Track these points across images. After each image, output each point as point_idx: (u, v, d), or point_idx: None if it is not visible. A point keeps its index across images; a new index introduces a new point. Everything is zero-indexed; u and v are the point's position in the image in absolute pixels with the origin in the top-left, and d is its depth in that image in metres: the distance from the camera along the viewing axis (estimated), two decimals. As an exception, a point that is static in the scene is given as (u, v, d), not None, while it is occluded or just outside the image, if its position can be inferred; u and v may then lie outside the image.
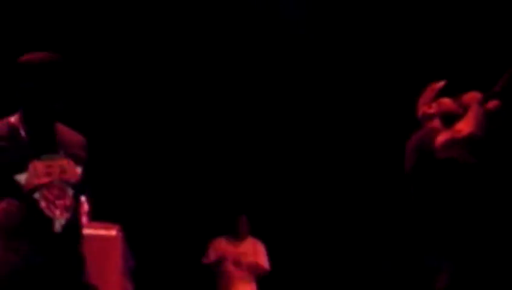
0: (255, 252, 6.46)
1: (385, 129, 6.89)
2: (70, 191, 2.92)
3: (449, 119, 3.51)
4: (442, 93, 3.62)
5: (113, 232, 5.06)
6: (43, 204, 2.89)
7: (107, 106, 6.61)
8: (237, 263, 6.34)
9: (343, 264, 7.77)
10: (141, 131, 6.83)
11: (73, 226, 2.99)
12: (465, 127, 3.35)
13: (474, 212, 3.42)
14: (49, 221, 2.89)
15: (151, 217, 6.85)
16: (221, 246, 6.35)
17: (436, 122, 3.56)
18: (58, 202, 2.93)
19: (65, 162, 2.92)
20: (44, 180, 2.86)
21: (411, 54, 7.35)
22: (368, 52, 7.62)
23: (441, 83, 3.68)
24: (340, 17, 7.55)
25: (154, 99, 7.30)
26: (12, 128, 2.90)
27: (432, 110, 3.60)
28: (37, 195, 2.87)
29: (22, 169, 2.82)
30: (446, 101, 3.62)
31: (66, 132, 2.98)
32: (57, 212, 2.92)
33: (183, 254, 6.80)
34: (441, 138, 3.40)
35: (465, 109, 3.47)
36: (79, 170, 2.95)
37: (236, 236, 6.43)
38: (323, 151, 7.99)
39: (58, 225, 2.92)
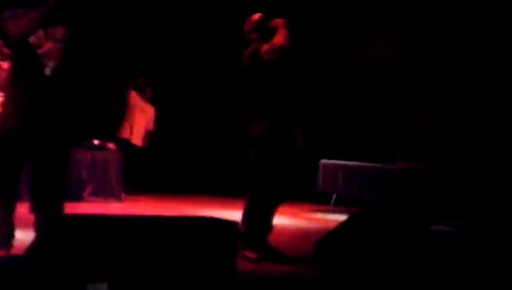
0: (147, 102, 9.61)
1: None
2: (60, 46, 3.32)
3: (266, 36, 4.16)
4: (259, 22, 4.20)
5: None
6: (39, 53, 3.31)
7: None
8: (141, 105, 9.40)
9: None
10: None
11: (64, 74, 3.27)
12: (278, 41, 4.02)
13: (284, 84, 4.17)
14: (42, 67, 3.27)
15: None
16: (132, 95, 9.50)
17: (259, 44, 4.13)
18: (49, 52, 3.32)
19: (56, 27, 3.38)
20: (44, 41, 3.33)
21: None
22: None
23: (258, 15, 4.22)
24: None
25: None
26: None
27: (254, 36, 4.19)
28: (38, 49, 3.32)
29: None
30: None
31: None
32: (47, 60, 3.32)
33: (120, 98, 8.93)
34: (264, 48, 4.08)
35: (275, 28, 4.10)
36: (62, 30, 3.39)
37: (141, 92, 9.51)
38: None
39: (48, 69, 3.30)
